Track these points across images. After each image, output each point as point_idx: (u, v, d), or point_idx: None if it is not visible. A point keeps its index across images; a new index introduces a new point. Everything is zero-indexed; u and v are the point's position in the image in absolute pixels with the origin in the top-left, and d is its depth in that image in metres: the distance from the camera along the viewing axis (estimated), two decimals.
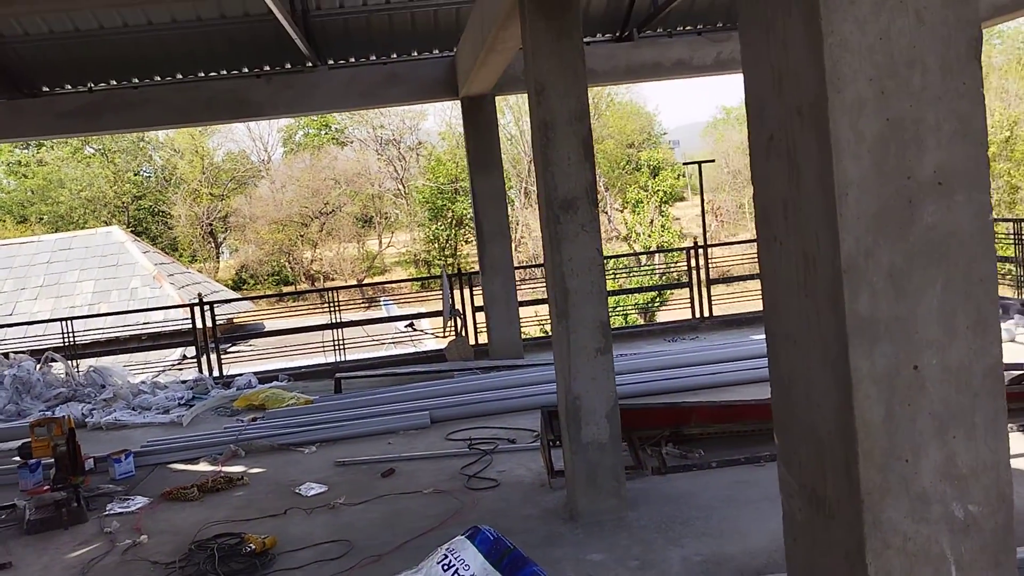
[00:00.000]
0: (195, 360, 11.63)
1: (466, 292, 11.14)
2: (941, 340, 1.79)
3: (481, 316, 10.67)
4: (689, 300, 11.61)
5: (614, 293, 15.56)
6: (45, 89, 9.65)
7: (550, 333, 13.73)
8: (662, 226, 24.02)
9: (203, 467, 7.11)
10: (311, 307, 19.47)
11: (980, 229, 1.77)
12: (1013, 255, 10.71)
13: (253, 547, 5.04)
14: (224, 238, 37.72)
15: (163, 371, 12.15)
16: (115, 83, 9.69)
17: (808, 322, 1.91)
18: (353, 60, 9.85)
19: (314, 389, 9.62)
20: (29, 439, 6.40)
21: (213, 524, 5.64)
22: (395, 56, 9.86)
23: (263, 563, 4.92)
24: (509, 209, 10.32)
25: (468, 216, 32.65)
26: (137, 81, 9.70)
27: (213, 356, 11.15)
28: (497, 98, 10.06)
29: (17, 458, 6.77)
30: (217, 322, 11.50)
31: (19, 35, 8.82)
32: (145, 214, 36.26)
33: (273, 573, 4.82)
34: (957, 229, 1.77)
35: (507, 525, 4.91)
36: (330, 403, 8.56)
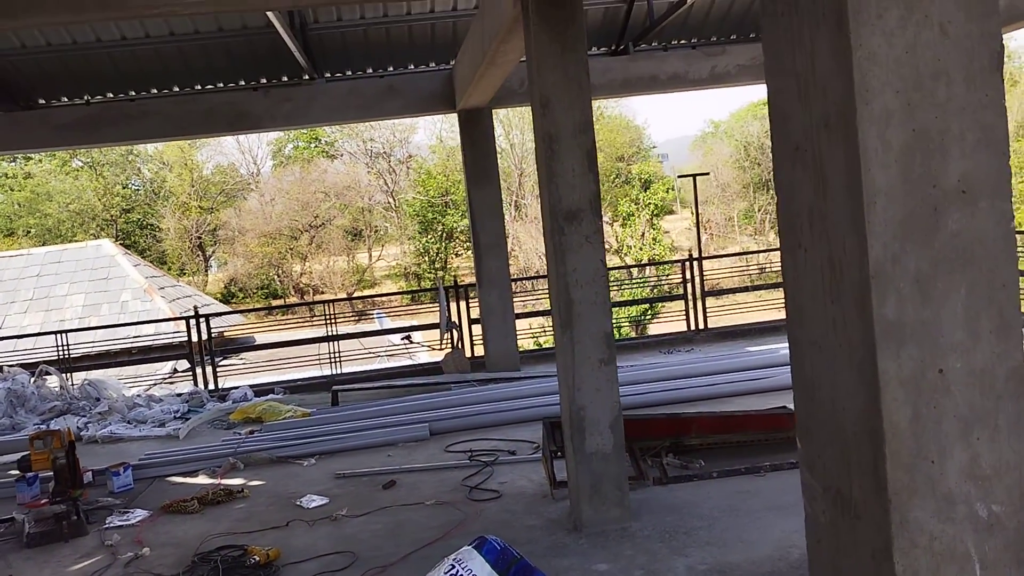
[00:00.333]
0: (187, 373, 11.58)
1: (462, 304, 11.17)
2: (965, 344, 1.84)
3: (477, 328, 10.69)
4: (684, 312, 11.68)
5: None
6: (42, 102, 9.64)
7: (544, 346, 13.78)
8: (653, 239, 24.15)
9: (202, 480, 7.08)
10: (301, 320, 19.45)
11: (1002, 236, 1.83)
12: None
13: (257, 559, 5.02)
14: (213, 251, 37.60)
15: (155, 384, 12.08)
16: (112, 96, 9.70)
17: (834, 327, 1.96)
18: (351, 73, 9.91)
19: (310, 402, 9.61)
20: (28, 452, 6.37)
21: (215, 536, 5.61)
22: (392, 69, 9.92)
23: (267, 575, 4.91)
24: None
25: (458, 229, 32.72)
26: (134, 94, 9.72)
27: (208, 369, 11.11)
28: None
29: (14, 471, 6.73)
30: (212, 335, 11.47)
31: (16, 48, 8.82)
32: (133, 227, 36.10)
33: None
34: (981, 236, 1.82)
35: (511, 536, 4.92)
36: (328, 415, 8.55)
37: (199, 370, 11.10)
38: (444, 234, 33.26)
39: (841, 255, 1.89)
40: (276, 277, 35.06)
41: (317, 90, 9.71)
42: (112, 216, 35.48)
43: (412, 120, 34.78)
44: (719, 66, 9.87)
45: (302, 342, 11.95)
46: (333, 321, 11.72)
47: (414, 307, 22.18)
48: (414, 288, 31.89)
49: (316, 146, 38.73)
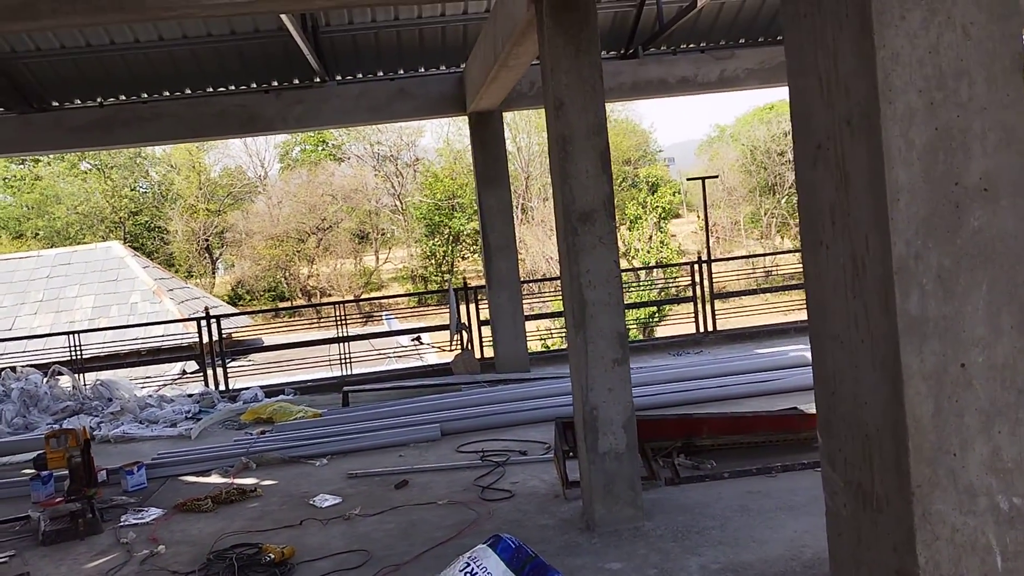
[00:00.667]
0: (196, 375, 11.62)
1: (471, 306, 11.21)
2: (987, 339, 1.87)
3: (487, 330, 10.72)
4: (693, 315, 11.71)
5: None
6: (55, 104, 9.72)
7: (552, 348, 13.78)
8: (661, 242, 24.19)
9: (215, 479, 7.12)
10: (308, 322, 19.52)
11: (1023, 233, 1.86)
12: None
13: (272, 557, 5.06)
14: (220, 254, 37.72)
15: (166, 385, 12.14)
16: (125, 98, 9.77)
17: (856, 322, 1.99)
18: (362, 76, 9.97)
19: (321, 402, 9.66)
20: (43, 451, 6.43)
21: (229, 535, 5.65)
22: (403, 72, 9.98)
23: (283, 573, 4.94)
24: None
25: (465, 232, 32.77)
26: (147, 96, 9.79)
27: (219, 370, 11.16)
28: None
29: (29, 470, 6.79)
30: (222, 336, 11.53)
31: (31, 51, 8.90)
32: (141, 229, 36.24)
33: None
34: (1002, 233, 1.85)
35: (524, 535, 4.94)
36: (339, 416, 8.60)
37: (209, 371, 11.15)
38: (451, 237, 33.32)
39: (864, 252, 1.93)
40: (283, 280, 35.16)
41: (328, 92, 9.77)
42: (120, 218, 35.63)
43: (419, 123, 34.89)
44: (728, 70, 9.90)
45: (313, 343, 12.01)
46: (344, 322, 11.77)
47: (421, 310, 22.27)
48: (421, 291, 31.96)
49: (323, 149, 38.85)
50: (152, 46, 9.00)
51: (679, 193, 36.26)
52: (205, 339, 11.14)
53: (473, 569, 3.98)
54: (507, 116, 12.76)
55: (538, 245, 29.44)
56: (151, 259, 26.82)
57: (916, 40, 1.81)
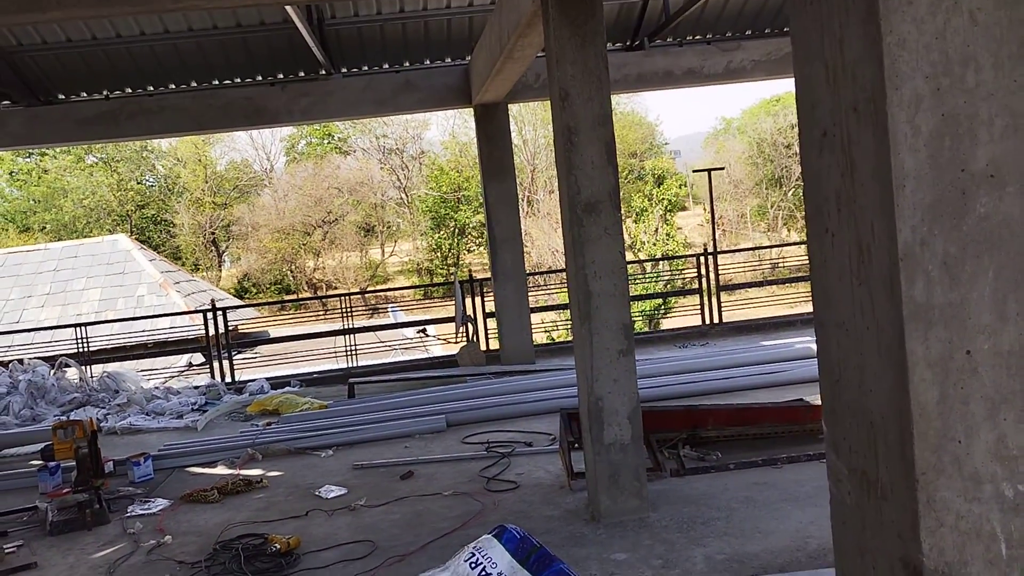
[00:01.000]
0: (202, 367, 11.66)
1: (477, 299, 11.21)
2: (993, 325, 1.86)
3: (492, 322, 10.73)
4: (699, 307, 11.70)
5: None
6: (61, 97, 9.74)
7: (557, 340, 13.78)
8: (667, 235, 24.15)
9: (221, 470, 7.16)
10: (314, 315, 19.57)
11: None
12: None
13: (278, 547, 5.09)
14: (226, 247, 37.78)
15: (172, 377, 12.19)
16: (131, 91, 9.78)
17: (862, 309, 1.98)
18: (367, 68, 9.96)
19: (327, 394, 9.68)
20: (51, 442, 6.46)
21: (235, 525, 5.69)
22: (408, 64, 9.97)
23: (288, 563, 4.97)
24: None
25: (471, 225, 32.75)
26: (153, 89, 9.80)
27: (225, 362, 11.19)
28: None
29: (37, 461, 6.82)
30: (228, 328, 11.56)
31: (37, 44, 8.91)
32: (148, 223, 36.34)
33: (299, 572, 4.86)
34: (1008, 219, 1.85)
35: (529, 526, 4.96)
36: (344, 407, 8.62)
37: (216, 363, 11.19)
38: (456, 230, 33.32)
39: (869, 238, 1.92)
40: (289, 273, 35.21)
41: (334, 85, 9.77)
42: (127, 212, 35.72)
43: (424, 116, 34.85)
44: (734, 61, 9.87)
45: (319, 335, 12.03)
46: (350, 315, 11.79)
47: (427, 302, 22.30)
48: (426, 283, 32.00)
49: (329, 142, 38.85)
50: (158, 39, 9.00)
51: (685, 186, 36.16)
52: (211, 331, 11.17)
53: (478, 559, 3.99)
54: (513, 108, 12.75)
55: (544, 237, 29.41)
56: (157, 252, 26.87)
57: (923, 26, 1.80)
